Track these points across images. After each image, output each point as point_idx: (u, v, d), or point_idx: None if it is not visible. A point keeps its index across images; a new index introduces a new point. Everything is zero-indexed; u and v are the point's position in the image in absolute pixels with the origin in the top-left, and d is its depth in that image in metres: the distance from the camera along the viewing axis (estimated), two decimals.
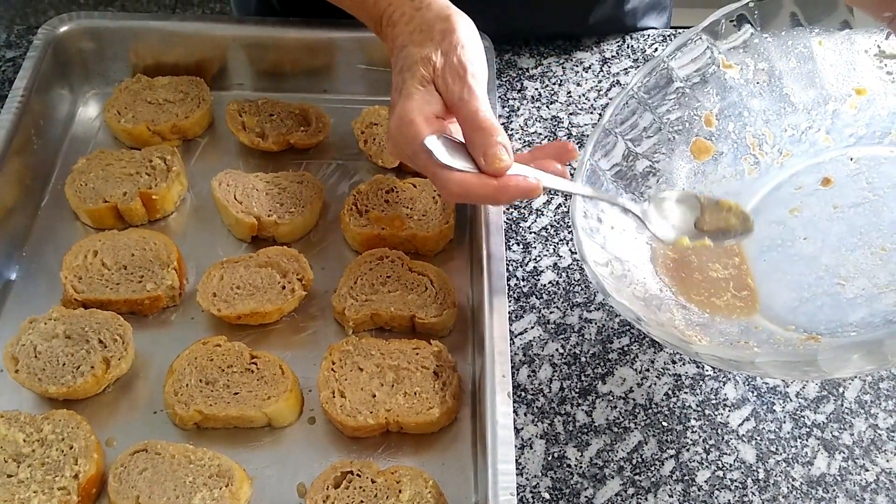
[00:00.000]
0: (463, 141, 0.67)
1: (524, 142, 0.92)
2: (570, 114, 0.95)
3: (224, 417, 0.71)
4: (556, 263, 0.84)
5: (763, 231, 0.78)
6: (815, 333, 0.70)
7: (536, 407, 0.75)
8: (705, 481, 0.71)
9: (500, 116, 0.88)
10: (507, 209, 0.87)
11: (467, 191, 0.66)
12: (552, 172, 0.70)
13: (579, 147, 0.91)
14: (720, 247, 0.76)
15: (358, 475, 0.68)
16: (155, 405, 0.74)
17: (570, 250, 0.84)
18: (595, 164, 0.76)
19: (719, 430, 0.74)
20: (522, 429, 0.73)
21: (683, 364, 0.77)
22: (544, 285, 0.82)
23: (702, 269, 0.76)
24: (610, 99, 0.96)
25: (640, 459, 0.72)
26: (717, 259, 0.76)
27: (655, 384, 0.76)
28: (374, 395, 0.72)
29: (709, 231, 0.75)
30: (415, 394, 0.72)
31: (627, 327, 0.80)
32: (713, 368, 0.77)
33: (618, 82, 0.98)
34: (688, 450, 0.73)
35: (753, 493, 0.71)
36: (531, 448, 0.73)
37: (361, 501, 0.66)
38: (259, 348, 0.75)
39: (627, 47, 1.01)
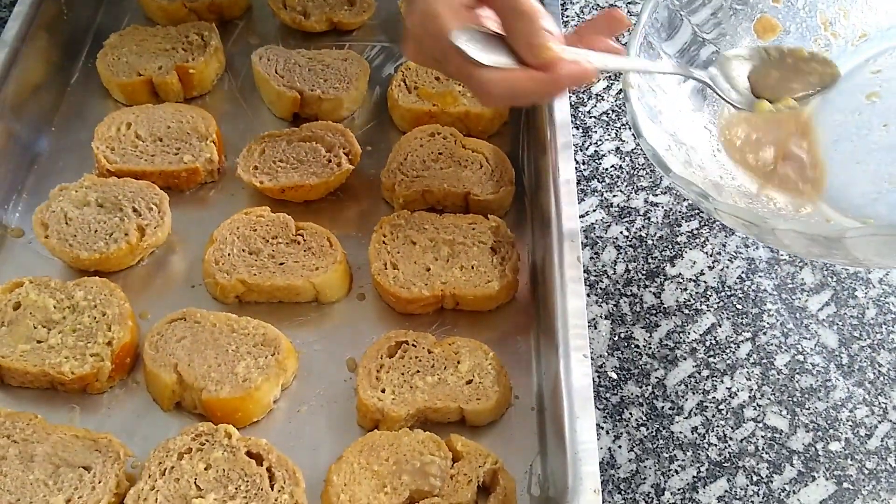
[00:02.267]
0: (499, 32, 0.56)
1: None
2: (629, 2, 0.89)
3: (269, 288, 0.66)
4: (618, 148, 0.78)
5: (837, 118, 0.72)
6: None
7: (600, 288, 0.70)
8: (785, 365, 0.66)
9: (548, 4, 0.82)
10: None
11: (512, 89, 0.55)
12: (604, 50, 0.59)
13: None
14: (797, 114, 0.70)
15: (413, 345, 0.63)
16: (193, 279, 0.69)
17: (632, 135, 0.79)
18: (649, 36, 0.69)
19: (798, 315, 0.68)
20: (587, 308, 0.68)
21: (757, 248, 0.72)
22: (606, 169, 0.77)
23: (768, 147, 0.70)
24: None
25: (713, 342, 0.67)
26: (786, 140, 0.71)
27: (728, 267, 0.71)
28: (429, 269, 0.67)
29: (786, 87, 0.70)
30: (472, 267, 0.67)
31: (697, 211, 0.74)
32: (789, 253, 0.72)
33: None
34: (765, 333, 0.67)
35: (837, 378, 0.65)
36: (595, 328, 0.68)
37: (418, 371, 0.61)
38: None
39: None
